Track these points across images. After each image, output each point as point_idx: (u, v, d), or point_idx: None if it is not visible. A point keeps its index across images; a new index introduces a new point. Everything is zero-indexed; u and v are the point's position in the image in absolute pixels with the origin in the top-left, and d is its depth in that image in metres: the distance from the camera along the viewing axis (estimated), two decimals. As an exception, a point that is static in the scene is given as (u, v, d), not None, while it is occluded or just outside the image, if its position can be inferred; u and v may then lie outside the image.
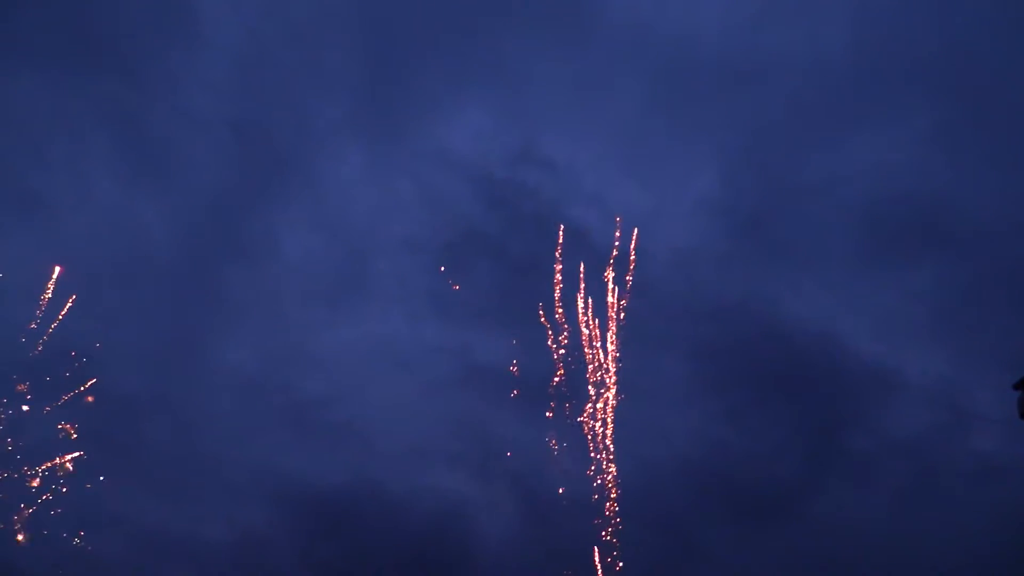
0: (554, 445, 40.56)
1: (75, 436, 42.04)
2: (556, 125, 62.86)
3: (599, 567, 37.92)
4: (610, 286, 41.65)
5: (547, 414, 41.31)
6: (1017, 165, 50.54)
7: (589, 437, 40.15)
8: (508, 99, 63.08)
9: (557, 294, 42.56)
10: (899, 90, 55.43)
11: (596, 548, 38.21)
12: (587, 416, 40.45)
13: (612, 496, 38.96)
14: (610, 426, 39.87)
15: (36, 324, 45.26)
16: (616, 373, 41.05)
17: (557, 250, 43.75)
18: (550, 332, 42.13)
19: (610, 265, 42.25)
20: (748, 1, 56.67)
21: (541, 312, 42.34)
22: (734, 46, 56.78)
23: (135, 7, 53.79)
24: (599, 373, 40.83)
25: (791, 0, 55.87)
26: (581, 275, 42.09)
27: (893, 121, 54.45)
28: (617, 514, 38.83)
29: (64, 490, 41.85)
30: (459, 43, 60.54)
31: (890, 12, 54.37)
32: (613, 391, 40.43)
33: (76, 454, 41.98)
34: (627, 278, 42.17)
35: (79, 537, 41.89)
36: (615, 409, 40.48)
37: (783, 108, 56.68)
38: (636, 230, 43.46)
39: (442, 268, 55.26)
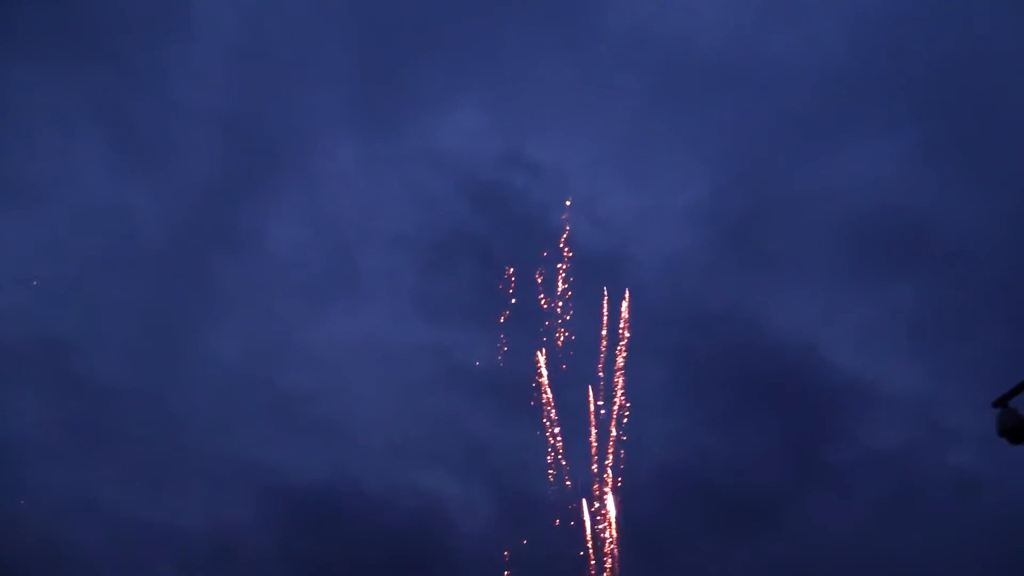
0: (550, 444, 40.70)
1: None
2: (550, 127, 63.13)
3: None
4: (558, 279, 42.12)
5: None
6: (1003, 185, 51.19)
7: (551, 434, 40.37)
8: (503, 99, 63.30)
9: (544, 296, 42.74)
10: (892, 106, 56.11)
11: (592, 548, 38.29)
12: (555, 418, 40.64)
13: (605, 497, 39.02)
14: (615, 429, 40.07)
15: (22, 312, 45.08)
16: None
17: (549, 252, 43.98)
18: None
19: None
20: (745, 9, 57.14)
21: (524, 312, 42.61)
22: (730, 54, 57.28)
23: (128, -2, 53.51)
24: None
25: (787, 11, 56.41)
26: (537, 274, 42.50)
27: (884, 136, 55.06)
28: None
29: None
30: (455, 42, 60.71)
31: (886, 27, 55.01)
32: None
33: None
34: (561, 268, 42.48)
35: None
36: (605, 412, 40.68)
37: (776, 118, 57.23)
38: (568, 202, 43.72)
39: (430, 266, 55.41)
